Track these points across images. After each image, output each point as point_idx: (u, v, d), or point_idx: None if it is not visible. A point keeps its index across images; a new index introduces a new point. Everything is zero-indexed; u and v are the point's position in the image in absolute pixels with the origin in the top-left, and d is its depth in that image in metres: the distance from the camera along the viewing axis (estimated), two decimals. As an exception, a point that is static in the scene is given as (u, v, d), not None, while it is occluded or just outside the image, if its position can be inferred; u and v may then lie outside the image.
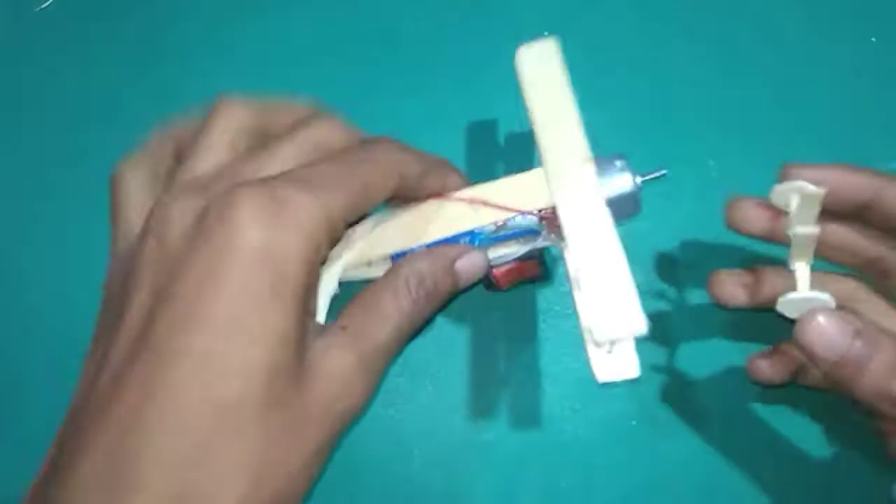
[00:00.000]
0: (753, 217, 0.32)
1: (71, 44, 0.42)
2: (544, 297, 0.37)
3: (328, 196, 0.23)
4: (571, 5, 0.42)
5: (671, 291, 0.37)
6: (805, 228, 0.28)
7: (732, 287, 0.33)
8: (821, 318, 0.26)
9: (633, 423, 0.35)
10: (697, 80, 0.41)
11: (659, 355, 0.36)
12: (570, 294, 0.37)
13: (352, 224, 0.27)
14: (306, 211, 0.22)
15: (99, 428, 0.20)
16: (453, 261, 0.28)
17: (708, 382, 0.36)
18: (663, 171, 0.30)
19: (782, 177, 0.30)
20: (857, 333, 0.26)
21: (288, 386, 0.21)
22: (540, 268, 0.31)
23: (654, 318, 0.37)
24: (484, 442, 0.35)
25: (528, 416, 0.35)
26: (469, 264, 0.28)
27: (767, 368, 0.33)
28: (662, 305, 0.37)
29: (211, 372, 0.20)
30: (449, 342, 0.35)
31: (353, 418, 0.24)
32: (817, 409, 0.35)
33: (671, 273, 0.38)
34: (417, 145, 0.39)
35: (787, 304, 0.28)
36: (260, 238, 0.20)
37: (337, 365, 0.23)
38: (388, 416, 0.35)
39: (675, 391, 0.36)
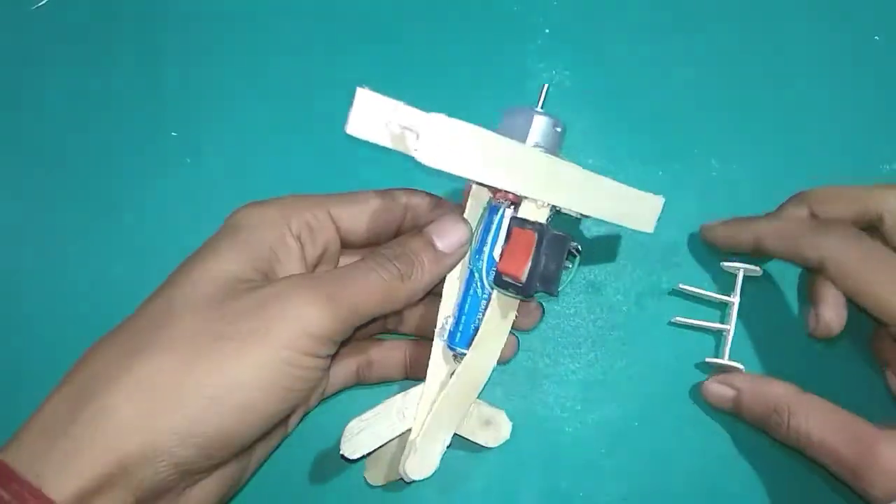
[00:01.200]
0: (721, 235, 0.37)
1: (68, 42, 0.42)
2: (544, 297, 0.37)
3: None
4: (572, 4, 0.42)
5: (672, 291, 0.37)
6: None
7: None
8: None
9: (635, 423, 0.35)
10: (699, 78, 0.41)
11: (659, 355, 0.36)
12: (571, 294, 0.37)
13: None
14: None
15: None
16: (430, 241, 0.30)
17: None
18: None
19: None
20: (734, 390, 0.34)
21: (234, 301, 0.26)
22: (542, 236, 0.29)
23: (655, 317, 0.37)
24: (484, 442, 0.35)
25: (528, 417, 0.35)
26: (452, 242, 0.30)
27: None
28: (664, 304, 0.37)
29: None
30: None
31: (316, 342, 0.26)
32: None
33: (673, 271, 0.37)
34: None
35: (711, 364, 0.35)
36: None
37: (299, 285, 0.27)
38: (389, 417, 0.35)
39: (675, 391, 0.36)
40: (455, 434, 0.32)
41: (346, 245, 0.32)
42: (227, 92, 0.41)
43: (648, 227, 0.32)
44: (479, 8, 0.42)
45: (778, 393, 0.32)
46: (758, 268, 0.36)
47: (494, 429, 0.34)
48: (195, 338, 0.25)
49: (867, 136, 0.40)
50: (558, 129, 0.30)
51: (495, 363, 0.32)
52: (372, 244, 0.32)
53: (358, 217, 0.31)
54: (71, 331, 0.37)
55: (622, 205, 0.31)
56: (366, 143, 0.40)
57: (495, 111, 0.41)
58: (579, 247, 0.30)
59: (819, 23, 0.42)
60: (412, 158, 0.28)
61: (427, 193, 0.33)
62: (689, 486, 0.35)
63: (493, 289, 0.30)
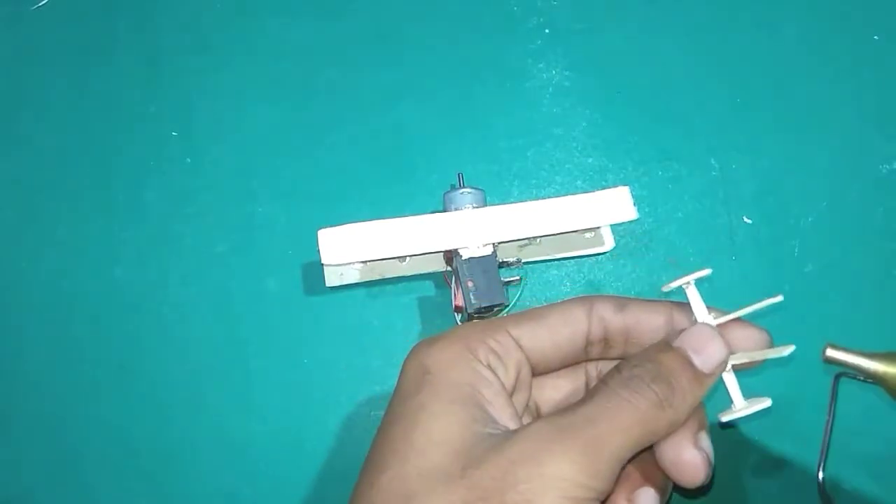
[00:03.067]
0: None
1: (68, 42, 0.42)
2: (545, 297, 0.37)
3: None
4: (572, 5, 0.42)
5: (673, 290, 0.37)
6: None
7: None
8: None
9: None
10: (699, 78, 0.41)
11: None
12: (571, 294, 0.37)
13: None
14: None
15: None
16: (688, 359, 0.25)
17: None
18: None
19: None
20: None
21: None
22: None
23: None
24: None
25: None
26: (710, 358, 0.26)
27: None
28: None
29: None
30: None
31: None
32: (818, 410, 0.35)
33: (673, 271, 0.37)
34: (421, 152, 0.39)
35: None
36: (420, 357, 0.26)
37: (541, 430, 0.24)
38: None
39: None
40: None
41: (536, 368, 0.28)
42: (228, 92, 0.41)
43: (630, 214, 0.34)
44: (479, 8, 0.42)
45: None
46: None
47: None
48: None
49: (866, 137, 0.40)
50: (463, 192, 0.34)
51: None
52: (563, 366, 0.29)
53: (539, 333, 0.27)
54: (71, 331, 0.37)
55: (584, 213, 0.34)
56: (367, 144, 0.40)
57: (495, 110, 0.41)
58: (520, 259, 0.35)
59: (818, 22, 0.42)
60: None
61: (612, 296, 0.29)
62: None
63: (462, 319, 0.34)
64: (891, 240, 0.38)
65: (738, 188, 0.39)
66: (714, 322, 0.27)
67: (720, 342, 0.26)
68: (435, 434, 0.24)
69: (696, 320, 0.27)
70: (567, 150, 0.40)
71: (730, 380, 0.27)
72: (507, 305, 0.33)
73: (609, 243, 0.37)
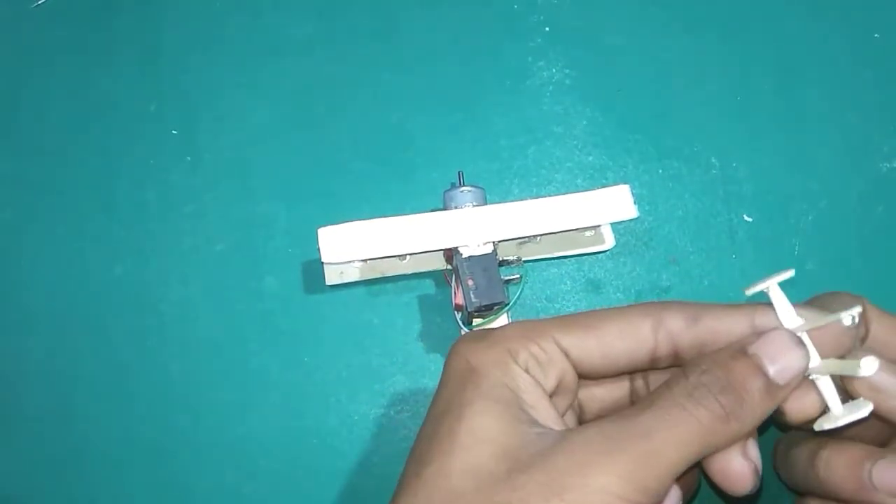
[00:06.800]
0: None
1: (68, 41, 0.42)
2: (545, 295, 0.37)
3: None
4: (572, 3, 0.42)
5: (673, 289, 0.37)
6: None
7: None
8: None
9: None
10: (699, 77, 0.41)
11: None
12: (571, 292, 0.37)
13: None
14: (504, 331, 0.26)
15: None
16: (762, 368, 0.23)
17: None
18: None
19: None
20: None
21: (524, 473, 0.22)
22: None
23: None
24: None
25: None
26: (786, 369, 0.24)
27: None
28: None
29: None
30: (450, 342, 0.35)
31: None
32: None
33: (673, 270, 0.37)
34: (424, 150, 0.39)
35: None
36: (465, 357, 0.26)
37: (592, 438, 0.23)
38: (389, 417, 0.35)
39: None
40: None
41: (585, 376, 0.27)
42: (228, 90, 0.41)
43: (631, 213, 0.34)
44: (479, 6, 0.42)
45: None
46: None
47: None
48: None
49: (867, 135, 0.40)
50: (463, 190, 0.34)
51: None
52: (619, 374, 0.27)
53: (589, 345, 0.26)
54: (71, 331, 0.37)
55: (585, 211, 0.34)
56: (367, 142, 0.40)
57: (495, 108, 0.41)
58: (520, 258, 0.35)
59: (819, 21, 0.42)
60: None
61: (682, 305, 0.26)
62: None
63: (470, 329, 0.34)
64: (891, 238, 0.38)
65: (738, 186, 0.39)
66: (801, 327, 0.24)
67: (800, 352, 0.24)
68: (480, 431, 0.23)
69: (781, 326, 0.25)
70: (567, 149, 0.40)
71: (825, 384, 0.24)
72: (508, 304, 0.33)
73: (609, 241, 0.37)
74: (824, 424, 0.25)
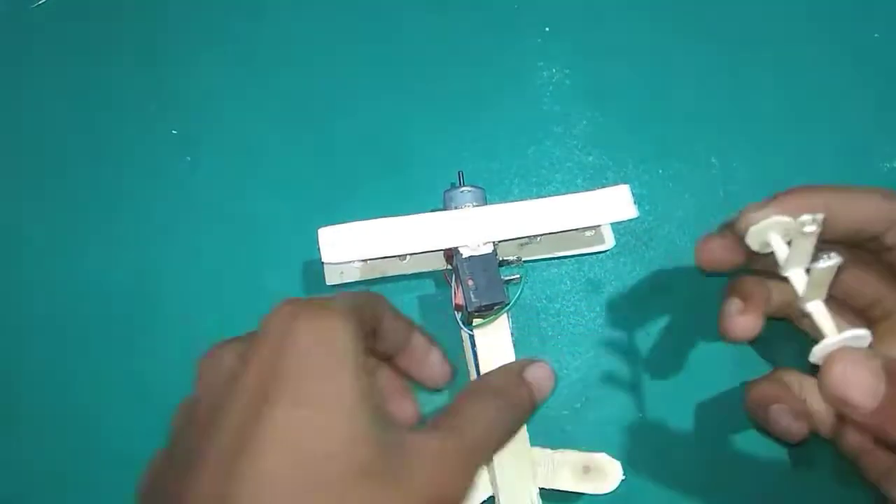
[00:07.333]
0: (720, 255, 0.31)
1: (68, 41, 0.42)
2: (545, 295, 0.37)
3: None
4: (572, 3, 0.42)
5: (673, 289, 0.37)
6: (801, 267, 0.26)
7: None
8: (848, 366, 0.24)
9: (636, 421, 0.35)
10: (699, 76, 0.41)
11: (660, 353, 0.36)
12: (571, 292, 0.37)
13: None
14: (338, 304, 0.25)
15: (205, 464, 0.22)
16: (519, 373, 0.30)
17: (710, 380, 0.36)
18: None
19: (748, 218, 0.28)
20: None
21: (375, 456, 0.22)
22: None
23: (655, 315, 0.37)
24: (485, 441, 0.35)
25: (528, 415, 0.35)
26: (538, 373, 0.31)
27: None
28: (665, 302, 0.37)
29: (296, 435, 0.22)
30: (449, 341, 0.35)
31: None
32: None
33: (673, 270, 0.37)
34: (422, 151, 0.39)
35: (819, 355, 0.25)
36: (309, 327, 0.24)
37: (435, 449, 0.24)
38: (389, 415, 0.35)
39: (676, 389, 0.36)
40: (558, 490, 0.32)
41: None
42: (228, 90, 0.41)
43: (630, 213, 0.34)
44: (479, 6, 0.42)
45: None
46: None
47: (598, 474, 0.32)
48: None
49: (867, 134, 0.40)
50: (463, 191, 0.34)
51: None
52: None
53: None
54: (71, 332, 0.37)
55: (584, 211, 0.34)
56: (367, 142, 0.40)
57: (495, 108, 0.41)
58: (520, 258, 0.35)
59: (819, 21, 0.42)
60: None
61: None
62: (689, 484, 0.35)
63: (470, 329, 0.33)
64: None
65: (738, 186, 0.39)
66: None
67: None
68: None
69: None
70: (567, 149, 0.40)
71: (817, 308, 0.25)
72: (508, 304, 0.33)
73: (609, 241, 0.37)
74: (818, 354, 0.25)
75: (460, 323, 0.34)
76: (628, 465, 0.35)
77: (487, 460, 0.29)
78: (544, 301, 0.37)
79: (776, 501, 0.34)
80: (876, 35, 0.41)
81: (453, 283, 0.34)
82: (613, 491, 0.33)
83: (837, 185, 0.29)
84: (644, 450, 0.35)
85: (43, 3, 0.43)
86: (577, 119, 0.40)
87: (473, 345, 0.33)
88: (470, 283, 0.32)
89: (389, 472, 0.22)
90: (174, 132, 0.40)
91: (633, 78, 0.41)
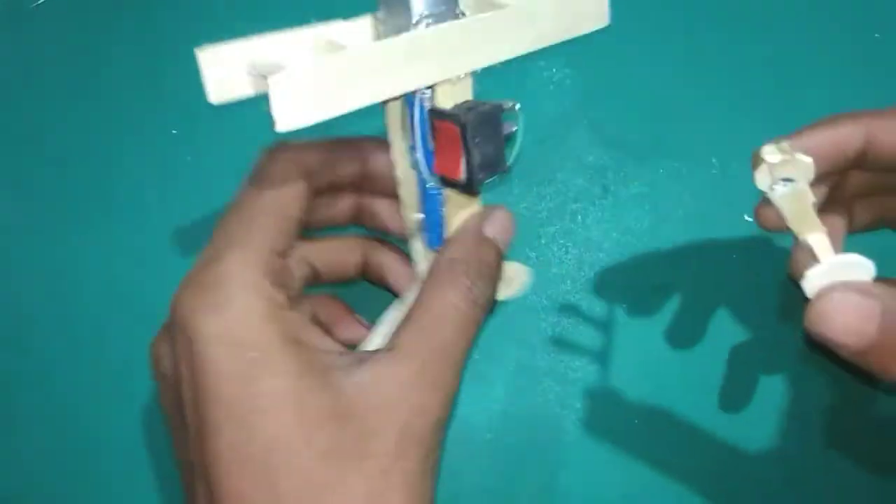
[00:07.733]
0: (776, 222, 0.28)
1: (68, 41, 0.42)
2: (545, 294, 0.37)
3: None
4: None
5: (673, 288, 0.37)
6: (797, 198, 0.26)
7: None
8: (836, 298, 0.21)
9: (635, 421, 0.35)
10: (700, 76, 0.41)
11: (660, 352, 0.36)
12: (571, 292, 0.37)
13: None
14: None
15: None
16: (480, 232, 0.27)
17: (710, 379, 0.36)
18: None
19: (755, 163, 0.28)
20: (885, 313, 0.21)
21: (331, 435, 0.22)
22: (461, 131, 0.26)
23: (655, 315, 0.37)
24: (484, 441, 0.35)
25: (528, 416, 0.35)
26: (498, 226, 0.28)
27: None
28: (664, 301, 0.37)
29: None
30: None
31: (437, 424, 0.24)
32: (818, 406, 0.35)
33: (673, 270, 0.38)
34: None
35: (811, 283, 0.23)
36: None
37: (385, 384, 0.23)
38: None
39: (676, 388, 0.36)
40: None
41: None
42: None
43: (603, 20, 0.28)
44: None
45: None
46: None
47: (510, 280, 0.30)
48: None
49: (868, 134, 0.40)
50: None
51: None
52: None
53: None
54: (71, 331, 0.37)
55: (555, 18, 0.28)
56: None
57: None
58: (516, 104, 0.27)
59: (819, 21, 0.42)
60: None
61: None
62: (690, 484, 0.35)
63: (441, 185, 0.27)
64: (892, 237, 0.38)
65: (738, 186, 0.39)
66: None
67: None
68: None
69: None
70: (567, 149, 0.40)
71: (817, 239, 0.24)
72: (506, 170, 0.26)
73: (606, 18, 0.29)
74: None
75: (426, 174, 0.27)
76: (627, 464, 0.35)
77: (459, 358, 0.25)
78: (544, 301, 0.37)
79: (776, 501, 0.34)
80: (876, 35, 0.41)
81: (418, 138, 0.27)
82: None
83: (876, 109, 0.27)
84: (644, 449, 0.35)
85: (43, 2, 0.43)
86: (577, 119, 0.40)
87: (438, 198, 0.28)
88: (475, 150, 0.25)
89: (353, 448, 0.22)
90: (174, 132, 0.40)
91: (633, 78, 0.41)
